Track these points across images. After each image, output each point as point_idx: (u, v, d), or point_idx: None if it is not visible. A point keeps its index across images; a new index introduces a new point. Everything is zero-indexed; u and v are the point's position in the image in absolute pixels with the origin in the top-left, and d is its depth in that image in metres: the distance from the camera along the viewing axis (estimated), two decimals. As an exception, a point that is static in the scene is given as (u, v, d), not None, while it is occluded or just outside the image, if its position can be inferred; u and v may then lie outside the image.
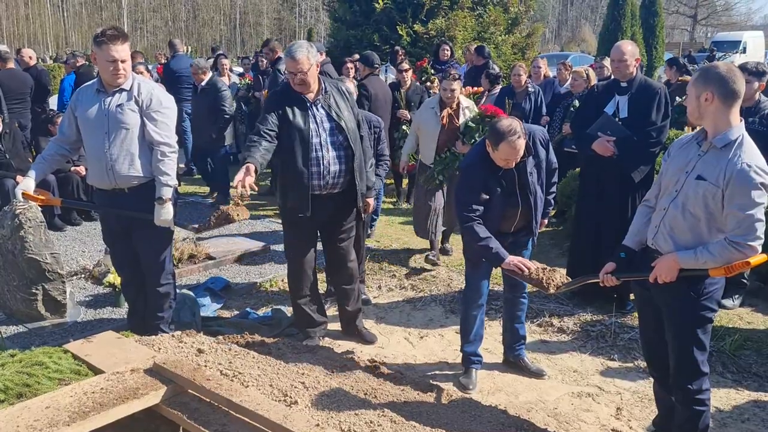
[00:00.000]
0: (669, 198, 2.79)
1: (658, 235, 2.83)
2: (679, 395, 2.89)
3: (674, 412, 2.98)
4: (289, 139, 3.83)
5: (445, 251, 6.15)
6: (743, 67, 4.55)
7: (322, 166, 3.87)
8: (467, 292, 3.89)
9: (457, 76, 5.55)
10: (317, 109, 3.89)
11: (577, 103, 6.93)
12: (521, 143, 3.40)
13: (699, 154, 2.71)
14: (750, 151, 2.58)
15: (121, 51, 3.50)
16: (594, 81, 6.99)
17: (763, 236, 2.57)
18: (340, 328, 4.46)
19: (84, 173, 6.30)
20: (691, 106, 2.71)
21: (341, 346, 4.25)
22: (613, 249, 3.14)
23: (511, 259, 3.42)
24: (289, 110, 3.83)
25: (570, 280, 3.27)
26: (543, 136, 3.73)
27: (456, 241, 5.93)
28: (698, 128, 2.81)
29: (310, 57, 3.75)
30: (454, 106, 5.49)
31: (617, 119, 4.54)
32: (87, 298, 5.00)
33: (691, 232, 2.70)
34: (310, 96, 3.88)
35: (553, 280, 3.19)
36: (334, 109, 3.90)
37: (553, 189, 3.96)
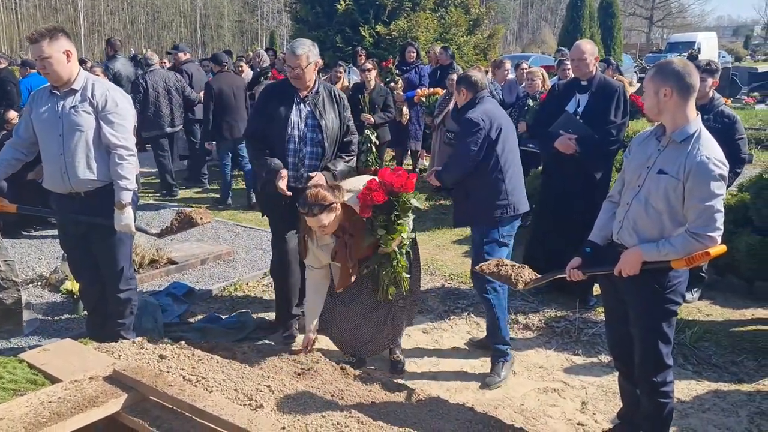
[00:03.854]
0: (632, 193, 2.82)
1: (623, 230, 2.86)
2: (644, 387, 2.93)
3: (639, 404, 3.02)
4: (273, 127, 4.05)
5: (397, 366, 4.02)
6: (695, 66, 4.64)
7: (297, 158, 4.05)
8: None
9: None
10: (304, 106, 4.10)
11: (531, 102, 7.03)
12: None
13: (659, 149, 2.75)
14: (708, 144, 2.63)
15: (46, 48, 3.38)
16: (548, 82, 7.14)
17: (722, 227, 2.62)
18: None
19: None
20: (650, 102, 2.75)
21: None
22: (578, 245, 3.17)
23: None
24: (277, 101, 4.08)
25: (537, 276, 3.29)
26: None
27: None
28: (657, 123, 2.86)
29: (309, 56, 3.98)
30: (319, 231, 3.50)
31: (578, 117, 4.60)
32: (44, 307, 4.85)
33: (655, 226, 2.74)
34: (303, 93, 4.08)
35: (521, 277, 3.20)
36: (319, 109, 4.10)
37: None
